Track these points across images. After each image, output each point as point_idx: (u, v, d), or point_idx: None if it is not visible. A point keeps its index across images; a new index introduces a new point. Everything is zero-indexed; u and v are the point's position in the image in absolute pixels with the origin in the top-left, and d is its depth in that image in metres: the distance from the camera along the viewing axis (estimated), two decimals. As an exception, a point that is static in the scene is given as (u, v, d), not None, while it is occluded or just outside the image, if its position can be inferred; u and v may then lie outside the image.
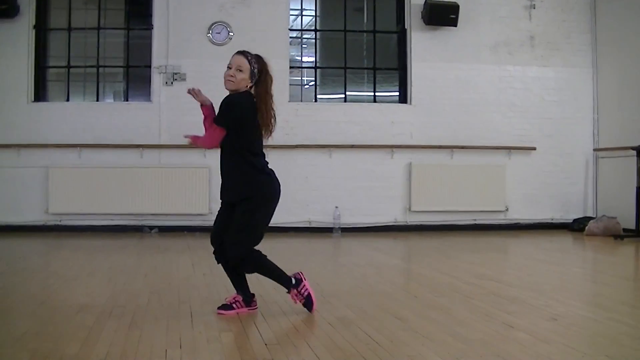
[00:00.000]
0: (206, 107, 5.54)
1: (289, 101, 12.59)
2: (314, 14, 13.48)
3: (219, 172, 5.55)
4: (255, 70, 5.49)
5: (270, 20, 12.72)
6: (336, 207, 12.54)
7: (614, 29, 13.06)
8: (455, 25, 12.92)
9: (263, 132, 5.52)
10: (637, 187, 11.60)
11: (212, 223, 5.67)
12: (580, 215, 13.20)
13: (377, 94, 13.35)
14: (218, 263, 5.60)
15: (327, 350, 4.26)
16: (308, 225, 12.52)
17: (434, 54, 13.06)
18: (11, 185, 12.10)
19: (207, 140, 5.50)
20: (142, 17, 13.02)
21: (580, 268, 9.04)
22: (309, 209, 12.55)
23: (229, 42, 12.39)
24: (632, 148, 11.73)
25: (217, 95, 5.63)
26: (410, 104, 13.07)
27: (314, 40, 13.53)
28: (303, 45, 13.84)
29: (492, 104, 13.19)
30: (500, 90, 13.23)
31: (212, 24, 12.55)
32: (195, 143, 5.63)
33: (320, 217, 12.59)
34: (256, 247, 5.50)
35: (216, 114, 5.43)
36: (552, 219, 13.29)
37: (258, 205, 5.43)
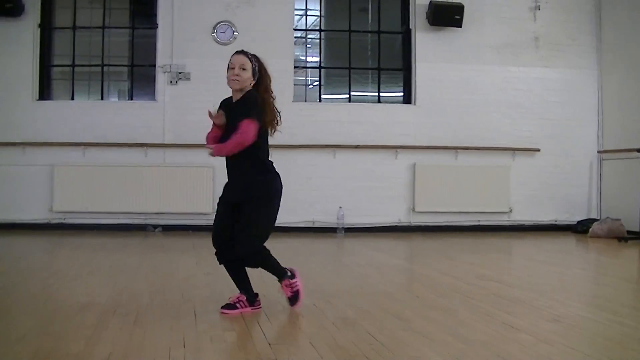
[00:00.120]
0: (218, 126, 5.53)
1: (293, 101, 12.60)
2: (318, 14, 13.49)
3: (225, 171, 5.56)
4: (257, 68, 5.52)
5: (274, 20, 12.74)
6: (340, 207, 12.55)
7: (618, 31, 13.06)
8: (460, 26, 12.93)
9: (269, 130, 5.55)
10: (641, 189, 11.62)
11: (216, 222, 5.68)
12: (584, 217, 13.20)
13: (381, 94, 13.36)
14: (220, 264, 5.61)
15: (330, 350, 4.27)
16: (311, 225, 12.54)
17: (438, 55, 13.07)
18: (16, 183, 12.13)
19: (247, 136, 5.28)
20: (147, 16, 13.06)
21: (583, 270, 9.04)
22: (312, 209, 12.56)
23: (234, 41, 12.39)
24: (637, 150, 11.72)
25: (220, 95, 5.66)
26: (415, 104, 13.08)
27: (318, 40, 13.55)
28: (307, 45, 13.85)
29: (497, 105, 13.19)
30: (504, 92, 13.23)
31: (217, 24, 12.57)
32: (229, 149, 5.36)
33: (323, 217, 12.61)
34: None
35: (249, 106, 5.39)
36: (556, 221, 13.29)
37: (267, 203, 5.46)
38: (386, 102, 13.45)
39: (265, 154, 5.55)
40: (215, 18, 12.60)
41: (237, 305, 5.50)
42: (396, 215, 12.89)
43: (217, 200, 5.63)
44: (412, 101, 13.16)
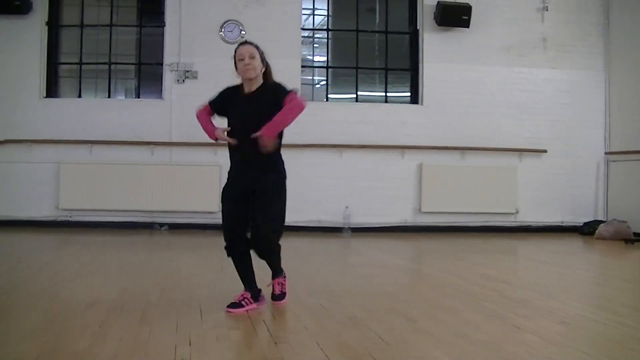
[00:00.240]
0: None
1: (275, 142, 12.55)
2: (326, 13, 13.48)
3: (238, 159, 5.62)
4: (263, 56, 5.61)
5: (282, 19, 12.73)
6: (346, 207, 12.55)
7: (626, 32, 13.04)
8: (468, 27, 12.93)
9: None
10: (647, 191, 11.61)
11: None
12: (591, 219, 13.18)
13: (388, 94, 13.35)
14: (229, 256, 5.63)
15: (336, 349, 4.26)
16: (318, 225, 12.54)
17: (445, 55, 13.05)
18: (22, 180, 12.16)
19: (302, 103, 5.42)
20: (154, 14, 13.06)
21: (590, 272, 9.02)
22: (318, 209, 12.55)
23: (241, 40, 12.37)
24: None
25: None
26: (422, 104, 13.08)
27: (325, 40, 13.54)
28: (315, 45, 13.84)
29: (504, 105, 13.17)
30: (511, 92, 13.21)
31: (224, 22, 12.58)
32: (289, 120, 5.44)
33: (330, 217, 12.61)
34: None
35: (283, 88, 5.52)
36: (563, 222, 13.28)
37: (282, 192, 5.58)
38: (393, 102, 13.45)
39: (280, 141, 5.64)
40: (222, 17, 12.61)
41: (243, 303, 5.50)
42: (402, 215, 12.89)
43: (223, 192, 5.63)
44: (419, 101, 13.15)
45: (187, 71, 12.45)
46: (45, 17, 12.50)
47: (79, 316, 5.03)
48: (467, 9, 12.85)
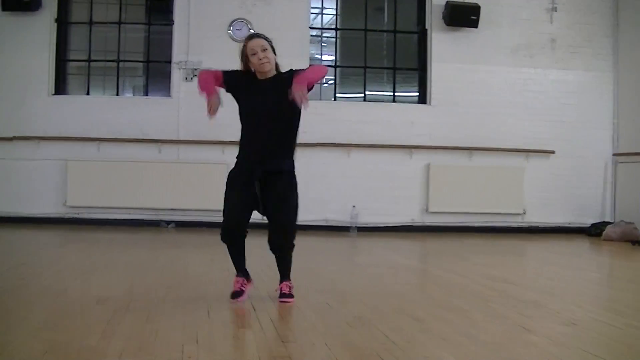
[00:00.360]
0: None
1: (308, 99, 12.55)
2: (334, 12, 13.48)
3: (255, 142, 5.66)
4: (273, 45, 5.67)
5: (290, 18, 12.73)
6: (353, 206, 12.56)
7: (635, 33, 13.03)
8: (476, 27, 12.91)
9: None
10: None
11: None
12: (598, 220, 13.17)
13: (396, 94, 13.34)
14: (230, 243, 5.72)
15: (343, 349, 4.26)
16: (325, 224, 12.54)
17: (454, 55, 13.05)
18: (30, 177, 12.19)
19: (322, 67, 5.88)
20: (163, 12, 13.09)
21: (597, 273, 9.01)
22: (326, 208, 12.56)
23: (247, 34, 12.39)
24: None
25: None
26: (430, 104, 13.08)
27: (334, 39, 13.54)
28: (323, 44, 13.84)
29: (512, 106, 13.16)
30: (519, 93, 13.20)
31: (233, 21, 12.58)
32: (318, 77, 5.76)
33: (337, 216, 12.62)
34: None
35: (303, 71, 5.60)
36: (570, 223, 13.27)
37: (295, 180, 5.74)
38: (401, 101, 13.45)
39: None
40: (231, 15, 12.62)
41: (243, 288, 5.68)
42: (410, 215, 12.89)
43: (229, 179, 5.68)
44: (427, 101, 13.15)
45: (196, 69, 12.45)
46: (54, 14, 12.52)
47: (86, 314, 5.04)
48: (475, 9, 12.84)
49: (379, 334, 4.68)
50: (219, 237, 5.73)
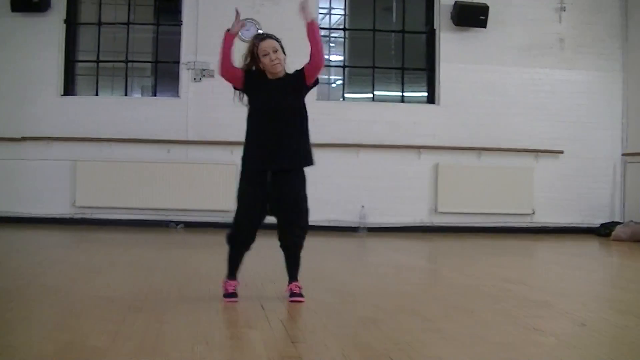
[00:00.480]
0: (230, 34, 5.96)
1: (317, 100, 12.58)
2: (343, 12, 13.48)
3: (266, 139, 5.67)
4: (282, 46, 5.76)
5: (299, 18, 12.68)
6: (362, 206, 12.55)
7: (645, 33, 12.99)
8: (485, 27, 12.90)
9: None
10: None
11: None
12: (608, 220, 13.14)
13: (404, 94, 13.33)
14: (237, 247, 5.76)
15: (354, 349, 4.26)
16: (334, 224, 12.53)
17: (462, 55, 13.03)
18: (39, 178, 12.21)
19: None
20: (171, 13, 13.11)
21: (607, 273, 9.00)
22: (335, 208, 12.55)
23: (257, 34, 12.39)
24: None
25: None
26: (438, 104, 13.07)
27: (342, 39, 13.54)
28: (331, 44, 13.84)
29: (520, 106, 13.13)
30: (528, 93, 13.18)
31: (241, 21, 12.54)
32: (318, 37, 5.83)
33: (346, 216, 12.61)
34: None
35: None
36: (579, 224, 13.24)
37: (305, 176, 5.79)
38: (409, 102, 13.45)
39: None
40: (240, 15, 12.58)
41: (237, 291, 5.73)
42: (418, 215, 12.88)
43: (242, 179, 5.70)
44: (436, 101, 13.14)
45: (204, 70, 12.46)
46: (63, 15, 12.55)
47: (96, 314, 5.04)
48: (484, 9, 12.82)
49: (389, 333, 4.68)
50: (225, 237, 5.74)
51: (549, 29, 13.32)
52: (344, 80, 13.52)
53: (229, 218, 5.74)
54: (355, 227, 12.57)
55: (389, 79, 13.80)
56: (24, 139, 12.23)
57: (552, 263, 9.76)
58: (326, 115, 12.39)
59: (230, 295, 5.65)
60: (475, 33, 13.07)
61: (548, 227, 13.16)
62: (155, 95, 13.10)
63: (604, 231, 12.81)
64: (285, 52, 5.75)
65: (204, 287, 6.35)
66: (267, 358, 4.00)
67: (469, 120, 13.00)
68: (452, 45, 13.11)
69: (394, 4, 13.65)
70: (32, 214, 12.17)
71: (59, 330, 4.57)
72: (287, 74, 5.76)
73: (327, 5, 13.48)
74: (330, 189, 12.45)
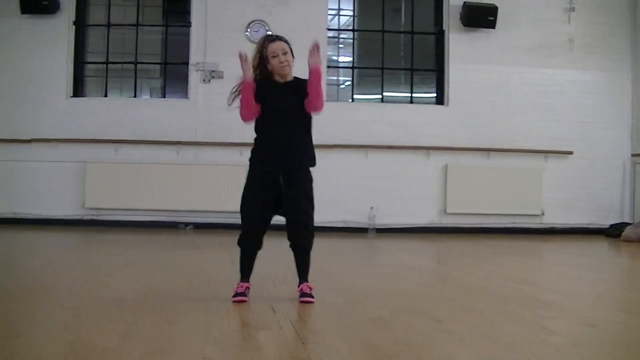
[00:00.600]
0: (246, 83, 5.62)
1: (326, 101, 12.47)
2: (351, 13, 13.48)
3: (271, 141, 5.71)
4: (292, 49, 5.75)
5: (308, 19, 12.72)
6: (371, 207, 12.54)
7: (654, 33, 12.96)
8: (494, 27, 12.87)
9: None
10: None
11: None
12: (617, 221, 13.11)
13: (413, 95, 13.32)
14: (247, 248, 5.78)
15: (363, 349, 4.26)
16: (343, 225, 12.53)
17: (471, 56, 13.01)
18: (49, 179, 12.24)
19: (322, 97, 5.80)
20: (180, 14, 13.13)
21: (617, 274, 8.99)
22: (344, 209, 12.56)
23: (267, 34, 12.41)
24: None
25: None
26: (447, 105, 13.05)
27: (351, 40, 13.54)
28: (340, 45, 13.84)
29: (529, 107, 13.11)
30: (537, 93, 13.15)
31: (250, 22, 12.59)
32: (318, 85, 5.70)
33: (355, 217, 12.61)
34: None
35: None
36: (588, 224, 13.20)
37: (311, 177, 5.80)
38: (418, 102, 13.44)
39: None
40: (248, 17, 12.62)
41: (246, 293, 5.71)
42: (427, 216, 12.87)
43: (249, 180, 5.72)
44: (445, 102, 13.12)
45: (213, 71, 12.48)
46: (73, 17, 12.58)
47: (106, 315, 5.05)
48: (493, 10, 12.80)
49: (399, 334, 4.68)
50: (236, 238, 5.75)
51: (558, 30, 13.29)
52: (352, 81, 13.51)
53: (238, 219, 5.75)
54: (364, 228, 12.57)
55: (398, 79, 13.80)
56: (33, 140, 12.26)
57: (561, 264, 9.74)
58: (335, 116, 12.37)
59: (237, 295, 5.65)
60: (484, 34, 13.05)
61: (557, 227, 13.14)
62: (164, 97, 13.12)
63: (613, 232, 12.78)
64: (294, 55, 5.72)
65: (213, 288, 6.36)
66: (278, 359, 4.00)
67: (478, 121, 12.98)
68: (461, 46, 13.10)
69: (403, 5, 13.64)
70: (41, 216, 12.20)
71: (68, 330, 4.59)
72: (294, 78, 5.79)
73: (336, 7, 13.47)
74: (339, 190, 12.46)
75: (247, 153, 5.85)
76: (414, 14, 13.42)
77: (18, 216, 12.21)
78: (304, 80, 5.73)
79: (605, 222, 13.18)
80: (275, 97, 5.65)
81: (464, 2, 12.85)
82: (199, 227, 12.40)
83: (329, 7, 13.23)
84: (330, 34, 13.42)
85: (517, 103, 13.11)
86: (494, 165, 12.97)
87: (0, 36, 12.34)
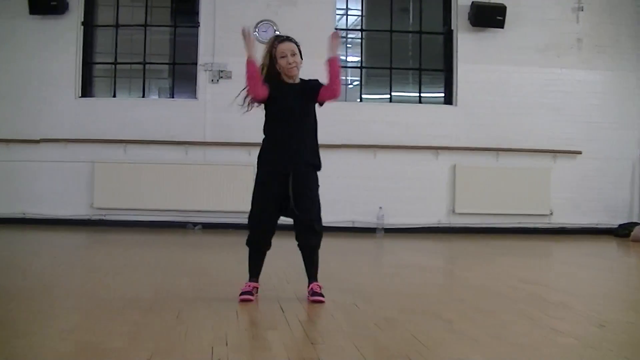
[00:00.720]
0: (250, 59, 5.71)
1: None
2: (360, 13, 13.47)
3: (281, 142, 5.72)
4: (300, 50, 5.77)
5: (316, 19, 12.72)
6: (380, 207, 12.53)
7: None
8: (502, 27, 12.87)
9: None
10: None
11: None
12: (626, 221, 13.09)
13: (422, 95, 13.31)
14: (256, 249, 5.80)
15: (372, 350, 4.25)
16: (351, 225, 12.54)
17: (480, 56, 13.00)
18: (57, 179, 12.27)
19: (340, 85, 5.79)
20: (188, 14, 13.15)
21: (626, 274, 8.94)
22: (352, 209, 12.56)
23: (277, 34, 12.40)
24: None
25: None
26: (456, 105, 13.05)
27: (359, 40, 13.54)
28: (348, 45, 13.84)
29: (538, 106, 13.09)
30: (546, 93, 13.13)
31: (259, 23, 12.59)
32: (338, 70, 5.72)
33: (363, 217, 12.62)
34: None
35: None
36: (597, 224, 13.18)
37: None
38: (427, 102, 13.43)
39: None
40: (257, 17, 12.62)
41: (254, 292, 5.72)
42: (436, 216, 12.86)
43: (259, 181, 5.72)
44: (453, 102, 13.12)
45: (221, 71, 12.49)
46: (81, 17, 12.61)
47: (115, 315, 5.05)
48: (501, 10, 12.79)
49: (408, 335, 4.67)
50: (245, 239, 5.75)
51: (567, 29, 13.27)
52: (361, 81, 13.51)
53: (247, 219, 5.75)
54: (372, 228, 12.57)
55: (406, 79, 13.79)
56: (41, 140, 12.29)
57: (570, 264, 9.72)
58: (343, 116, 12.38)
59: (243, 293, 5.65)
60: (493, 33, 13.04)
61: (566, 227, 13.12)
62: (172, 97, 13.14)
63: (622, 232, 12.76)
64: (302, 57, 5.73)
65: (222, 288, 6.35)
66: (287, 359, 4.00)
67: (486, 120, 12.97)
68: (469, 45, 13.09)
69: (411, 5, 13.63)
70: (49, 216, 12.22)
71: (77, 330, 4.59)
72: (302, 80, 5.81)
73: (344, 6, 13.46)
74: (348, 189, 12.46)
75: (255, 153, 5.85)
76: (423, 13, 13.42)
77: (27, 216, 12.25)
78: (312, 81, 5.77)
79: (614, 221, 13.16)
80: (284, 98, 5.67)
81: (473, 2, 12.84)
82: (207, 227, 12.41)
83: (337, 6, 13.22)
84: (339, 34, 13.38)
85: (525, 103, 13.09)
86: (503, 165, 12.95)
87: (9, 36, 12.37)
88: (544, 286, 7.22)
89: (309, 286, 5.73)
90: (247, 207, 5.73)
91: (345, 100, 13.23)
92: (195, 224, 12.43)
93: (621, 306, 6.27)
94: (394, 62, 13.32)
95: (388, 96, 13.37)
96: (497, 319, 5.31)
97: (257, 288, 5.76)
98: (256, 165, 5.82)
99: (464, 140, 12.93)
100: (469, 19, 12.97)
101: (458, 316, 5.33)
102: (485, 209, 12.87)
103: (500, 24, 12.88)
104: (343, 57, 13.71)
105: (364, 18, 13.53)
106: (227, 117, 11.99)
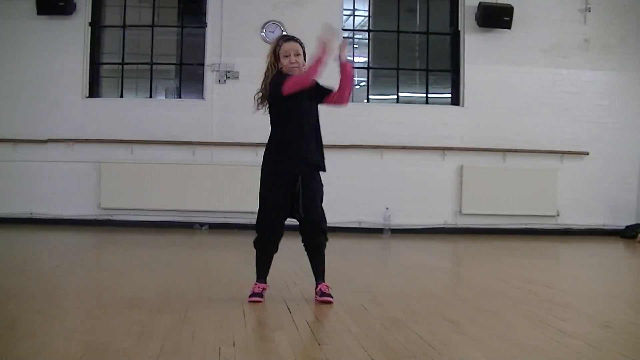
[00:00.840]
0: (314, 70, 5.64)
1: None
2: (366, 14, 13.46)
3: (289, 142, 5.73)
4: (305, 51, 5.79)
5: (323, 19, 12.52)
6: (386, 208, 12.53)
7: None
8: (509, 28, 12.84)
9: None
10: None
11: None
12: (633, 222, 13.05)
13: (429, 95, 13.30)
14: (265, 250, 5.82)
15: (379, 351, 4.25)
16: (358, 226, 12.53)
17: (487, 56, 12.98)
18: (64, 180, 12.28)
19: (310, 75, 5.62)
20: (196, 15, 13.14)
21: (632, 276, 8.94)
22: (359, 210, 12.56)
23: (283, 34, 12.42)
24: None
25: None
26: (463, 106, 13.03)
27: (366, 41, 13.53)
28: (355, 46, 13.82)
29: (545, 107, 13.06)
30: (553, 94, 13.10)
31: (266, 23, 12.59)
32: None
33: (370, 218, 12.61)
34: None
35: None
36: (604, 225, 13.15)
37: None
38: (434, 103, 13.41)
39: None
40: (264, 17, 12.63)
41: (263, 293, 5.75)
42: (443, 217, 12.85)
43: (267, 182, 5.73)
44: (460, 103, 13.10)
45: (229, 72, 12.50)
46: (88, 18, 12.61)
47: (122, 315, 5.06)
48: (508, 10, 12.77)
49: (414, 336, 4.68)
50: (251, 239, 5.76)
51: (574, 30, 13.24)
52: (368, 81, 13.50)
53: (254, 219, 5.76)
54: (379, 229, 12.56)
55: (413, 80, 13.78)
56: (49, 141, 12.30)
57: (576, 265, 9.72)
58: (350, 117, 12.32)
59: (253, 295, 5.67)
60: (500, 34, 13.02)
61: (573, 228, 13.10)
62: (179, 97, 13.14)
63: (629, 233, 12.74)
64: (306, 58, 5.73)
65: (228, 288, 6.37)
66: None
67: (493, 121, 12.95)
68: (476, 46, 13.07)
69: (418, 5, 13.62)
70: (56, 216, 12.23)
71: (83, 330, 4.61)
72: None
73: (351, 7, 13.46)
74: (355, 190, 12.46)
75: (262, 153, 5.84)
76: (429, 14, 13.40)
77: (34, 216, 12.26)
78: (321, 86, 5.80)
79: (621, 223, 13.13)
80: (295, 99, 5.65)
81: (480, 3, 12.83)
82: (214, 227, 12.41)
83: (344, 7, 13.22)
84: (345, 34, 13.39)
85: (532, 104, 13.07)
86: (510, 165, 12.93)
87: (16, 37, 12.38)
88: (550, 287, 7.23)
89: (317, 286, 5.74)
90: (254, 207, 5.74)
91: (353, 101, 13.19)
92: (202, 224, 12.44)
93: (627, 307, 6.27)
94: (401, 62, 13.31)
95: (395, 97, 13.35)
96: (503, 320, 5.32)
97: (266, 289, 5.77)
98: (261, 165, 5.82)
99: (470, 141, 12.92)
100: (476, 19, 12.95)
101: (464, 317, 5.34)
102: (491, 210, 12.85)
103: (507, 25, 12.87)
104: (350, 58, 13.71)
105: (371, 18, 13.52)
106: (234, 117, 12.05)
